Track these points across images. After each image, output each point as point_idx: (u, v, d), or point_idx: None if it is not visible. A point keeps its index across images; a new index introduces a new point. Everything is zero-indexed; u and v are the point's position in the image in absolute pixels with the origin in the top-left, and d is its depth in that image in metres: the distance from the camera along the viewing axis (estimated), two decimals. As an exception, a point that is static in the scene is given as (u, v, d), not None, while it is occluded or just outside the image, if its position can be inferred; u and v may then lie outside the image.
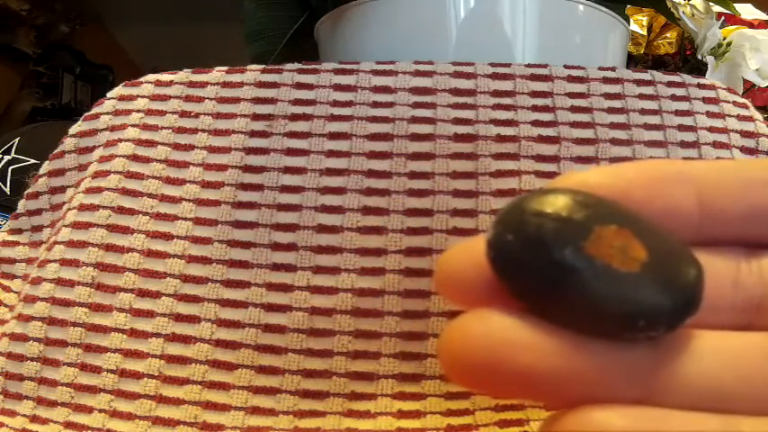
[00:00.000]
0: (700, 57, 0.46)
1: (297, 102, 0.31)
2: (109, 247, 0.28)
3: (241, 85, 0.31)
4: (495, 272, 0.11)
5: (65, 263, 0.28)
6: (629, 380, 0.11)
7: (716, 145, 0.31)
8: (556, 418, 0.11)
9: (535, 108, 0.30)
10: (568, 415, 0.11)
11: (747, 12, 0.62)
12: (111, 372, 0.26)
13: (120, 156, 0.30)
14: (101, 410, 0.26)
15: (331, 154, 0.30)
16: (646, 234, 0.11)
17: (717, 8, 0.42)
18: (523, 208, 0.11)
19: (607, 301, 0.10)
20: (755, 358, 0.11)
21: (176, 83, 0.32)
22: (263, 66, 0.32)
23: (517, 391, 0.11)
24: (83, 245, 0.28)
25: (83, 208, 0.29)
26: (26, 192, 0.33)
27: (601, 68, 0.32)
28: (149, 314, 0.27)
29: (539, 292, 0.11)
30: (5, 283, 0.31)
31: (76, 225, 0.29)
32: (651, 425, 0.10)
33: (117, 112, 0.32)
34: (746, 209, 0.12)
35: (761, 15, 0.62)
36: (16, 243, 0.32)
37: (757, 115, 0.32)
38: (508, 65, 0.31)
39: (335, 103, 0.31)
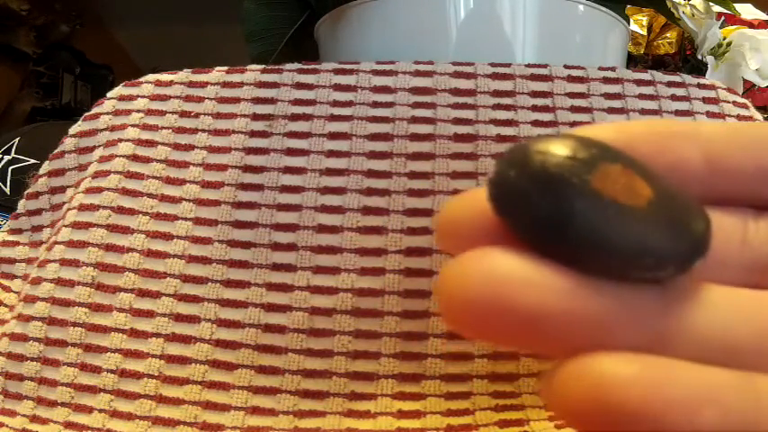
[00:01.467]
0: (700, 57, 0.46)
1: (297, 102, 0.31)
2: (109, 247, 0.28)
3: (241, 85, 0.31)
4: (496, 211, 0.10)
5: (65, 263, 0.28)
6: (636, 324, 0.10)
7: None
8: (558, 367, 0.10)
9: (535, 108, 0.30)
10: (574, 361, 0.10)
11: (747, 12, 0.62)
12: (111, 372, 0.26)
13: (120, 156, 0.30)
14: (101, 410, 0.26)
15: (331, 154, 0.30)
16: (652, 178, 0.11)
17: (717, 8, 0.42)
18: (528, 147, 0.10)
19: (613, 237, 0.10)
20: None
21: (176, 83, 0.32)
22: (263, 66, 0.32)
23: (518, 335, 0.10)
24: (83, 245, 0.28)
25: (83, 208, 0.29)
26: (26, 192, 0.33)
27: (601, 68, 0.32)
28: (149, 314, 0.27)
29: (543, 230, 0.10)
30: (5, 283, 0.31)
31: (76, 225, 0.29)
32: (663, 374, 0.10)
33: (117, 112, 0.32)
34: (755, 168, 0.12)
35: (761, 15, 0.62)
36: (16, 243, 0.32)
37: (757, 115, 0.32)
38: (508, 65, 0.31)
39: (335, 103, 0.31)
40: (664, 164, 0.12)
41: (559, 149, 0.10)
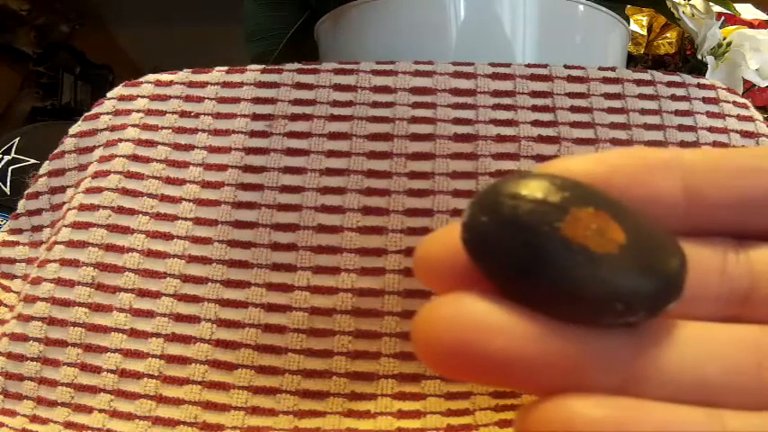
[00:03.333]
0: (700, 57, 0.46)
1: (297, 102, 0.31)
2: (109, 247, 0.28)
3: (241, 85, 0.31)
4: (469, 254, 0.11)
5: (65, 263, 0.28)
6: (606, 368, 0.10)
7: (716, 145, 0.31)
8: (531, 406, 0.10)
9: (535, 108, 0.30)
10: (543, 404, 0.10)
11: (747, 12, 0.62)
12: (111, 372, 0.26)
13: (120, 156, 0.30)
14: (101, 410, 0.26)
15: (331, 154, 0.30)
16: (625, 218, 0.11)
17: (717, 8, 0.42)
18: (499, 190, 0.11)
19: (583, 284, 0.10)
20: (741, 350, 0.11)
21: (176, 83, 0.32)
22: (263, 66, 0.32)
23: (489, 377, 0.10)
24: (83, 245, 0.28)
25: (83, 208, 0.29)
26: (26, 192, 0.33)
27: (601, 68, 0.32)
28: (149, 314, 0.27)
29: (513, 275, 0.10)
30: (5, 283, 0.31)
31: (76, 225, 0.29)
32: (631, 414, 0.10)
33: (117, 112, 0.32)
34: (735, 197, 0.12)
35: (761, 15, 0.62)
36: (16, 243, 0.32)
37: (757, 115, 0.32)
38: (508, 65, 0.31)
39: (335, 103, 0.31)
40: (642, 196, 0.12)
41: (531, 193, 0.10)
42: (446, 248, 0.11)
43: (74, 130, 0.32)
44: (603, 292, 0.10)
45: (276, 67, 0.32)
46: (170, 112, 0.31)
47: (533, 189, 0.10)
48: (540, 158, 0.29)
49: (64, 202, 0.31)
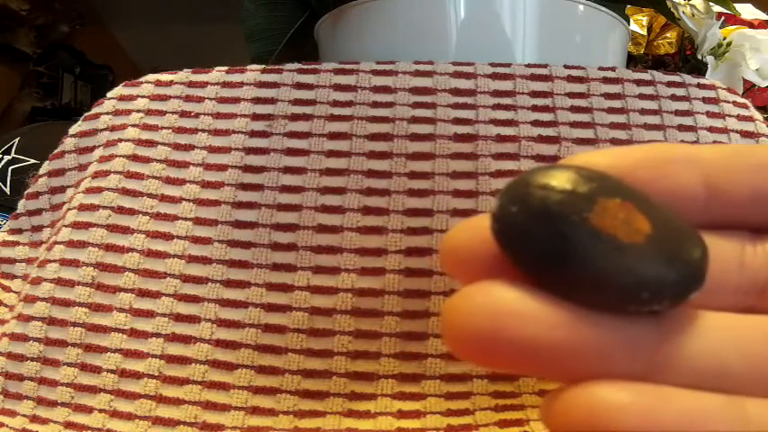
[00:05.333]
0: (700, 57, 0.46)
1: (297, 102, 0.31)
2: (109, 247, 0.28)
3: (241, 85, 0.31)
4: (499, 244, 0.11)
5: (65, 263, 0.28)
6: (632, 355, 0.11)
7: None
8: (558, 393, 0.11)
9: (535, 108, 0.30)
10: (571, 390, 0.10)
11: (747, 12, 0.62)
12: (111, 372, 0.26)
13: (120, 156, 0.30)
14: (101, 410, 0.26)
15: (331, 154, 0.30)
16: (650, 209, 0.11)
17: (717, 8, 0.42)
18: (528, 181, 0.11)
19: (611, 272, 0.10)
20: (760, 339, 0.11)
21: (176, 83, 0.32)
22: (263, 66, 0.32)
23: (519, 364, 0.11)
24: (83, 245, 0.28)
25: (83, 208, 0.29)
26: (26, 192, 0.33)
27: (601, 68, 0.32)
28: (149, 314, 0.27)
29: (543, 265, 0.10)
30: (5, 283, 0.31)
31: (76, 225, 0.29)
32: (655, 401, 0.10)
33: (117, 112, 0.32)
34: (753, 192, 0.12)
35: (761, 15, 0.62)
36: (16, 243, 0.32)
37: (757, 115, 0.32)
38: (508, 65, 0.31)
39: (335, 103, 0.31)
40: (662, 189, 0.12)
41: (559, 184, 0.11)
42: (474, 238, 0.11)
43: (74, 130, 0.32)
44: (630, 281, 0.10)
45: (276, 67, 0.32)
46: (170, 112, 0.31)
47: (562, 180, 0.11)
48: (540, 158, 0.29)
49: (64, 202, 0.31)
